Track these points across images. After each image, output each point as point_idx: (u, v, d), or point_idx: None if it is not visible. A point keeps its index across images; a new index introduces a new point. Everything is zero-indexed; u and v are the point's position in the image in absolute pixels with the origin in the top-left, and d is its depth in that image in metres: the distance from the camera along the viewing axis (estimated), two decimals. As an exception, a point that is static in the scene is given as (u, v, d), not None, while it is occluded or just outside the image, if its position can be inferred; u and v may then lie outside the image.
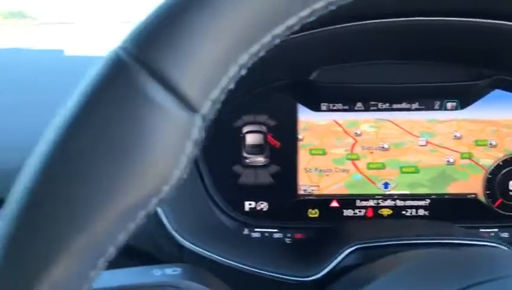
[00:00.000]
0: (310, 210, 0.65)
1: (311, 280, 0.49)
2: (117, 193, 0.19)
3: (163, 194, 0.20)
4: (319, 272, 0.49)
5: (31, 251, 0.20)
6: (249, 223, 0.64)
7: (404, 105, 0.63)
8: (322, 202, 0.65)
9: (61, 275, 0.20)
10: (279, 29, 0.20)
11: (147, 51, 0.19)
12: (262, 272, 0.50)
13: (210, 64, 0.19)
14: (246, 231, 0.64)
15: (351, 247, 0.50)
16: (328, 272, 0.49)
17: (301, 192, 0.64)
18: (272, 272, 0.50)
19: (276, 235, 0.64)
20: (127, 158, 0.19)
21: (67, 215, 0.19)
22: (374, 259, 0.48)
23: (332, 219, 0.64)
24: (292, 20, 0.20)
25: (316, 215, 0.65)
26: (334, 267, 0.49)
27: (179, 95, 0.19)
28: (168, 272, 0.42)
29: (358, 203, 0.65)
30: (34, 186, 0.19)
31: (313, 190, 0.64)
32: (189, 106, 0.19)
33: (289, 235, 0.64)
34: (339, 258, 0.50)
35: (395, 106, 0.63)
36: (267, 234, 0.64)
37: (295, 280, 0.49)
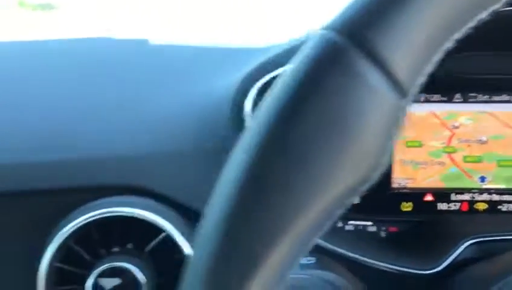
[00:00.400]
0: (403, 203, 0.64)
1: (430, 273, 0.48)
2: (333, 179, 0.19)
3: (371, 181, 0.20)
4: (438, 266, 0.48)
5: (245, 241, 0.19)
6: (340, 216, 0.63)
7: (504, 97, 0.61)
8: (416, 195, 0.63)
9: (273, 264, 0.19)
10: (485, 13, 0.19)
11: (364, 33, 0.18)
12: (380, 264, 0.49)
13: (422, 49, 0.19)
14: (339, 224, 0.63)
15: (468, 240, 0.49)
16: (448, 265, 0.48)
17: (395, 185, 0.63)
18: (391, 264, 0.49)
19: (371, 229, 0.62)
20: (346, 142, 0.18)
21: (286, 204, 0.18)
22: (491, 253, 0.47)
23: (426, 212, 0.63)
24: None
25: (410, 209, 0.64)
26: (453, 260, 0.48)
27: (394, 78, 0.18)
28: (303, 261, 0.41)
29: (453, 197, 0.63)
30: (246, 179, 0.19)
31: (407, 183, 0.63)
32: (401, 90, 0.18)
33: (384, 228, 0.62)
34: (458, 251, 0.49)
35: (494, 98, 0.61)
36: (360, 227, 0.63)
37: (415, 272, 0.48)
